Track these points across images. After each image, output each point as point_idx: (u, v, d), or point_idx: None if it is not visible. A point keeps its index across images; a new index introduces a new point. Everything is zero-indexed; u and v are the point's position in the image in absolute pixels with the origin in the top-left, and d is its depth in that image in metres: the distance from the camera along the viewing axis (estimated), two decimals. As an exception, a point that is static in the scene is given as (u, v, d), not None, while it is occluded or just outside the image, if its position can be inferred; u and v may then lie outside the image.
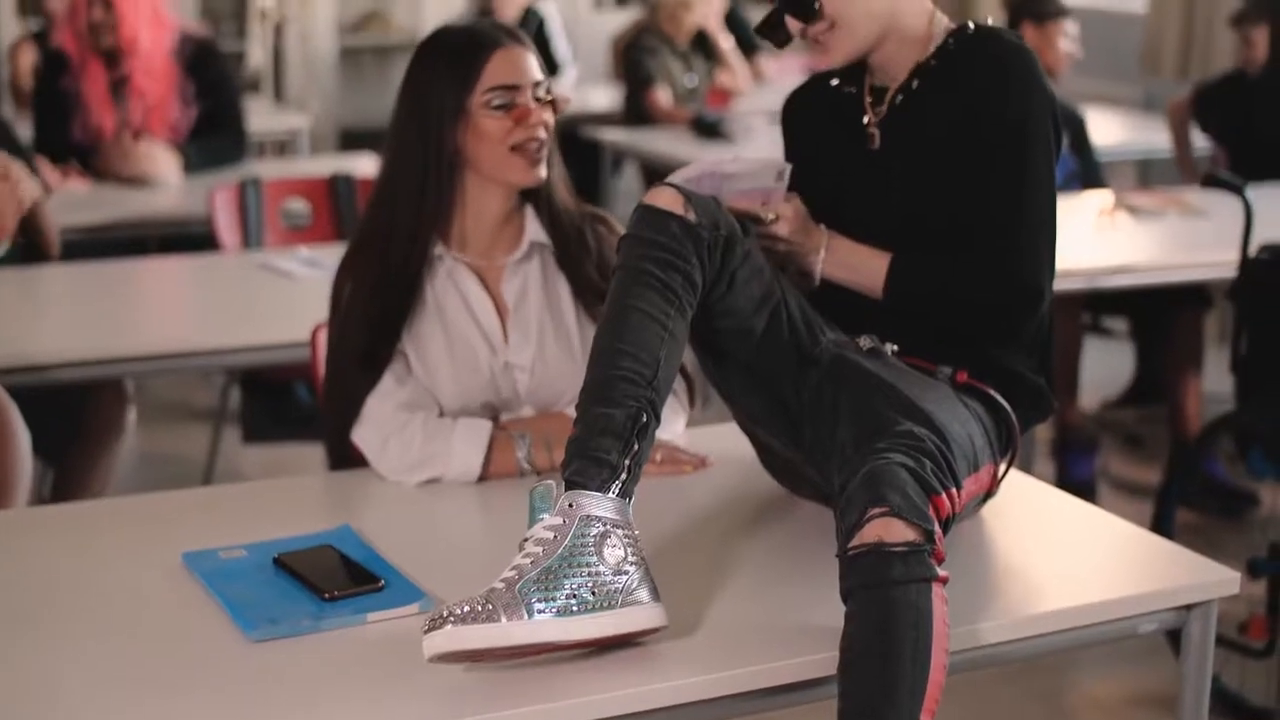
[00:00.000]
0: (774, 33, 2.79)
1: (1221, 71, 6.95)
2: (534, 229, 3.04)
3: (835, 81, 2.89)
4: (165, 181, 5.64)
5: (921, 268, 2.72)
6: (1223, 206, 5.07)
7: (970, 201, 2.70)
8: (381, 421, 2.91)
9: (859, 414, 2.48)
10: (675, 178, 2.72)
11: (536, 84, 2.95)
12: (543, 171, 2.97)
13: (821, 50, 2.78)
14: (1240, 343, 4.44)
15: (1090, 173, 6.04)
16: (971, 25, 2.80)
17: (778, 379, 2.61)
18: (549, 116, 2.96)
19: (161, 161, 5.64)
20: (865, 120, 2.82)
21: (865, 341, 2.70)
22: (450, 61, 2.94)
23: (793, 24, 2.75)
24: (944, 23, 2.81)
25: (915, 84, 2.78)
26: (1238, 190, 4.60)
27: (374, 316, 2.95)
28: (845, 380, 2.57)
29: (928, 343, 2.72)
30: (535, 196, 3.05)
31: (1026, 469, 4.74)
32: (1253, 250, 4.47)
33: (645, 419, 2.34)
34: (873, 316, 2.74)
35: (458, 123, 2.92)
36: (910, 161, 2.76)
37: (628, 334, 2.39)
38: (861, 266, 2.74)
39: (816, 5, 2.72)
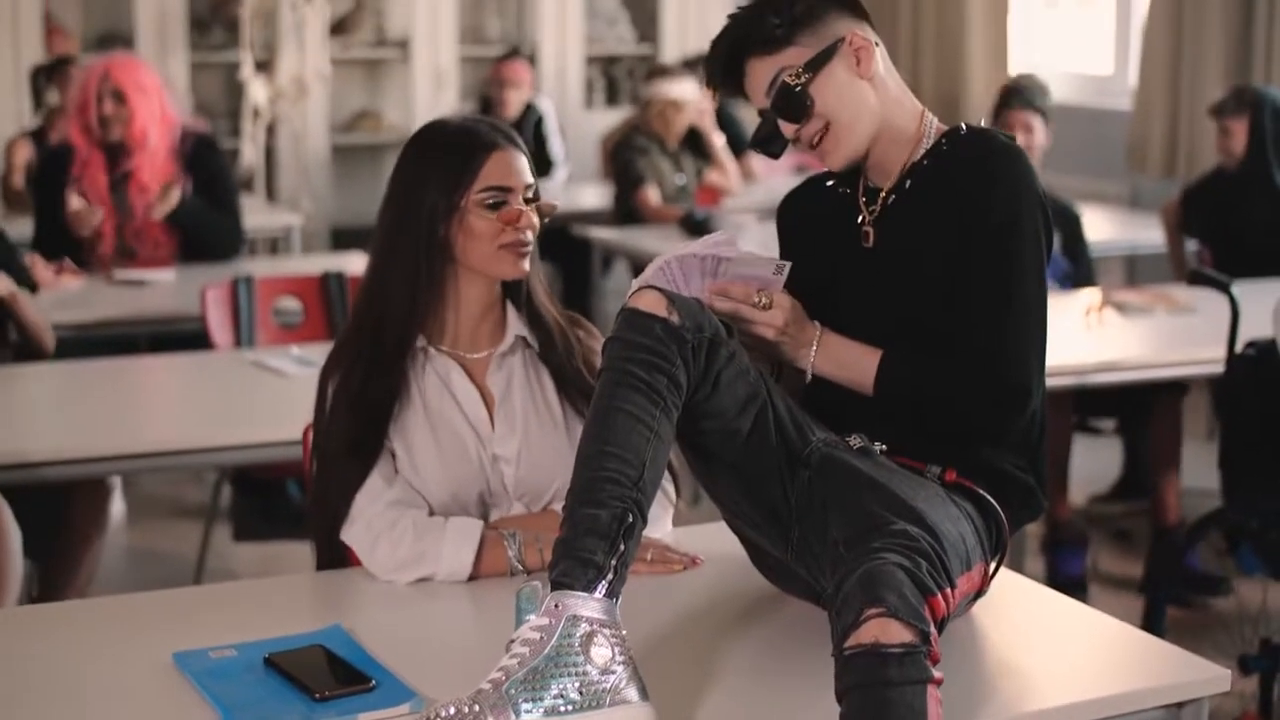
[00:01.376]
0: (769, 144, 2.81)
1: (1204, 171, 6.99)
2: (516, 323, 3.07)
3: (830, 182, 2.92)
4: (155, 277, 5.68)
5: (911, 366, 2.74)
6: (1210, 303, 5.10)
7: (960, 300, 2.72)
8: (371, 520, 2.91)
9: (850, 513, 2.49)
10: (670, 255, 2.77)
11: (527, 186, 2.97)
12: (526, 266, 3.00)
13: (821, 156, 2.80)
14: (1228, 438, 4.46)
15: (1084, 272, 6.07)
16: (964, 126, 2.83)
17: (766, 479, 2.62)
18: (536, 218, 2.99)
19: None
20: (860, 219, 2.84)
21: (855, 441, 2.71)
22: (446, 158, 2.96)
23: (787, 128, 2.77)
24: (935, 123, 2.84)
25: (908, 184, 2.80)
26: (1224, 287, 4.63)
27: (360, 408, 2.95)
28: (835, 479, 2.57)
29: (917, 441, 2.73)
30: (515, 293, 3.07)
31: (1017, 566, 4.75)
32: (1239, 346, 4.50)
33: (631, 519, 2.35)
34: (862, 414, 2.75)
35: (450, 219, 2.94)
36: (903, 260, 2.77)
37: (613, 435, 2.41)
38: (853, 363, 2.75)
39: (808, 103, 2.74)
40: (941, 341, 2.73)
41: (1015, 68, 9.59)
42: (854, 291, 2.82)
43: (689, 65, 8.80)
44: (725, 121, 8.84)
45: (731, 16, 2.88)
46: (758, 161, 8.99)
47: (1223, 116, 6.38)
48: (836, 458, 2.62)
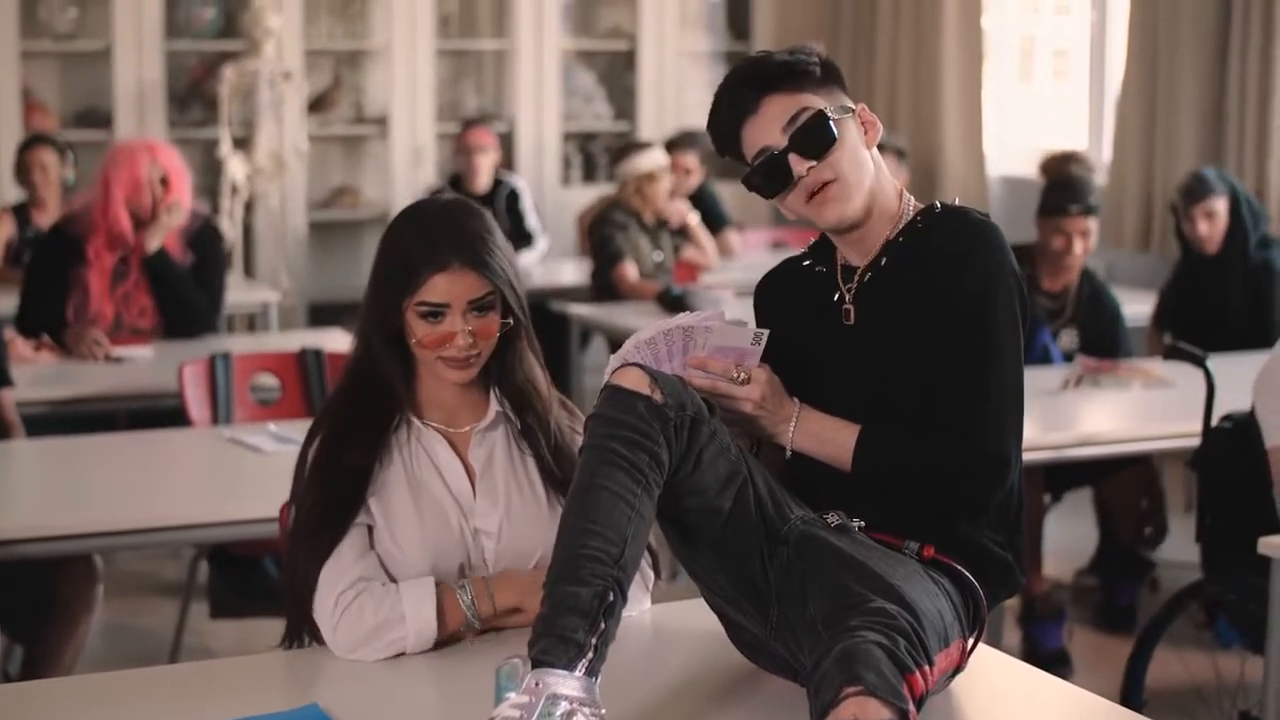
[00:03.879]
0: (771, 179, 2.82)
1: (1174, 264, 6.96)
2: (499, 399, 3.07)
3: (807, 262, 2.95)
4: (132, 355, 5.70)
5: (889, 440, 2.75)
6: (1186, 377, 5.12)
7: (937, 375, 2.73)
8: (338, 595, 2.90)
9: (829, 591, 2.49)
10: (650, 330, 2.81)
11: (473, 300, 2.95)
12: (468, 376, 2.99)
13: (818, 206, 2.80)
14: (1204, 512, 4.47)
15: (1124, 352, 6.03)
16: (939, 204, 2.86)
17: (746, 557, 2.62)
18: (491, 326, 2.97)
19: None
20: (837, 297, 2.86)
21: (833, 518, 2.71)
22: (397, 261, 2.97)
23: (800, 165, 2.78)
24: (912, 201, 2.88)
25: (884, 261, 2.83)
26: (1199, 361, 4.65)
27: (336, 479, 2.95)
28: (814, 557, 2.58)
29: (895, 517, 2.73)
30: (498, 374, 3.06)
31: (994, 640, 4.75)
32: (1215, 419, 4.51)
33: (612, 598, 2.35)
34: (840, 490, 2.76)
35: (401, 316, 2.95)
36: (883, 337, 2.80)
37: (595, 513, 2.41)
38: (831, 438, 2.77)
39: (832, 140, 2.78)
40: (919, 416, 2.74)
41: (990, 141, 9.66)
42: (834, 368, 2.84)
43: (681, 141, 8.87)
44: (703, 198, 8.88)
45: (755, 55, 2.91)
46: (735, 238, 9.04)
47: (1202, 200, 6.34)
48: (815, 535, 2.62)
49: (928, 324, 2.75)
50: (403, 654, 2.87)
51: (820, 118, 2.79)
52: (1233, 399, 4.50)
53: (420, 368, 3.03)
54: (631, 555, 2.42)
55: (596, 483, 2.45)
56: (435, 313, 2.94)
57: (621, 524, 2.42)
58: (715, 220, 8.87)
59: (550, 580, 2.40)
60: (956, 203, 2.89)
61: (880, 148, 2.90)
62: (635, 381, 2.54)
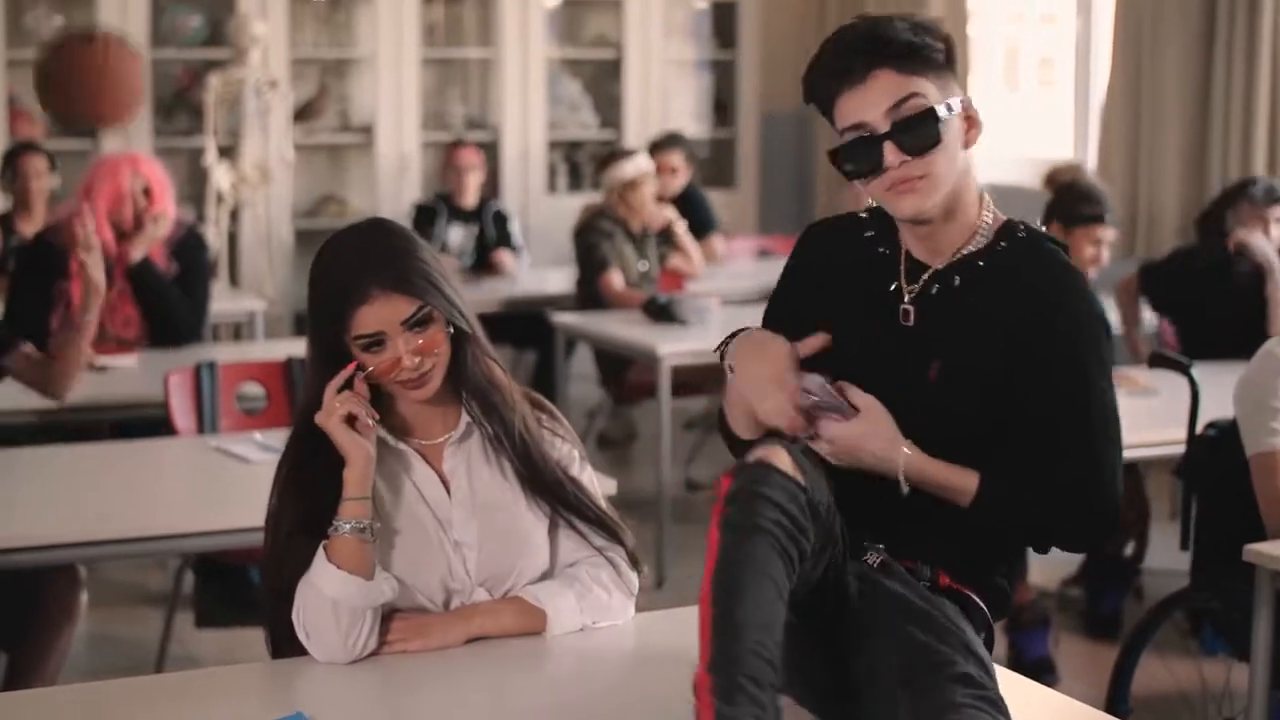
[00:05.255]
0: (859, 162, 2.71)
1: (1170, 249, 6.99)
2: (470, 408, 3.05)
3: (871, 233, 2.86)
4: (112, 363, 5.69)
5: (1010, 495, 2.72)
6: (1170, 384, 5.12)
7: (1040, 426, 2.71)
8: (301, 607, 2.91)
9: (901, 645, 2.50)
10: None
11: (406, 319, 2.91)
12: (428, 392, 2.97)
13: (899, 194, 2.71)
14: (1189, 520, 4.47)
15: None
16: (1022, 227, 2.81)
17: (818, 611, 2.60)
18: (437, 338, 2.95)
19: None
20: (894, 287, 2.81)
21: (873, 557, 2.70)
22: (326, 300, 2.96)
23: (894, 156, 2.68)
24: (992, 211, 2.81)
25: (958, 279, 2.77)
26: (1184, 369, 4.66)
27: (313, 489, 2.94)
28: (875, 606, 2.58)
29: (919, 545, 2.73)
30: (464, 383, 3.04)
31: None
32: (1200, 427, 4.52)
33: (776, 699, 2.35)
34: (868, 514, 2.72)
35: (347, 350, 2.94)
36: (945, 354, 2.75)
37: (761, 605, 2.37)
38: (944, 485, 2.72)
39: (937, 140, 2.68)
40: (1014, 459, 2.72)
41: (975, 149, 9.65)
42: (888, 367, 2.77)
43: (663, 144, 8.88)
44: (693, 203, 8.90)
45: (874, 20, 2.73)
46: (721, 243, 9.06)
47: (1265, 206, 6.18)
48: (874, 583, 2.61)
49: (1005, 360, 2.71)
50: (378, 648, 2.90)
51: (930, 116, 2.68)
52: (1218, 407, 4.51)
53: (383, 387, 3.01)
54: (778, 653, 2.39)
55: (764, 571, 2.38)
56: (375, 342, 2.92)
57: (777, 620, 2.38)
58: (703, 225, 8.88)
59: (720, 664, 2.35)
60: (1036, 225, 2.84)
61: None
62: (789, 466, 2.45)
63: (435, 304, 2.93)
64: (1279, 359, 4.10)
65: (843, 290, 2.85)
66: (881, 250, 2.84)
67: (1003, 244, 2.79)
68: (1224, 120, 7.94)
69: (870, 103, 2.68)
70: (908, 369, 2.76)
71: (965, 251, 2.78)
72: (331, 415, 2.89)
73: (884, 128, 2.69)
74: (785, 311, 2.92)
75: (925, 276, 2.79)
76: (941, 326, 2.77)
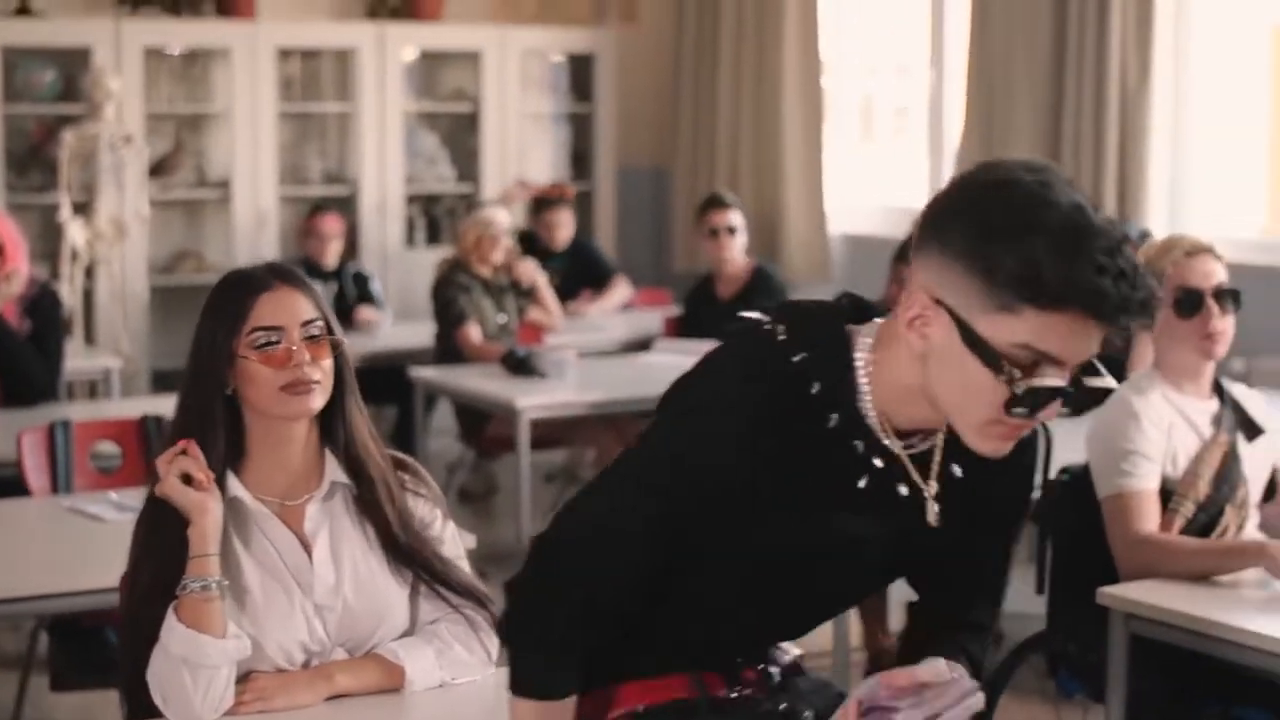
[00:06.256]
0: (1045, 401, 2.28)
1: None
2: (333, 469, 3.04)
3: (835, 417, 2.45)
4: None
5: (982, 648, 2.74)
6: (1024, 431, 5.16)
7: (980, 576, 2.73)
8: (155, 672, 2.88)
9: None
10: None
11: (306, 323, 2.95)
12: (314, 404, 2.97)
13: (1007, 438, 2.36)
14: (1044, 564, 4.52)
15: None
16: None
17: None
18: (325, 353, 2.97)
19: None
20: (907, 489, 2.51)
21: None
22: (220, 307, 2.97)
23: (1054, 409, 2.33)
24: None
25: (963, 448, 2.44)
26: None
27: (169, 551, 2.92)
28: None
29: None
30: (332, 437, 3.05)
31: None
32: (1053, 473, 4.57)
33: None
34: None
35: (230, 367, 2.94)
36: (957, 535, 2.58)
37: None
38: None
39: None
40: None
41: (832, 200, 9.76)
42: (872, 560, 2.60)
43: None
44: (581, 254, 9.04)
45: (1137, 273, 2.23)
46: (626, 285, 9.18)
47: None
48: None
49: (991, 525, 2.64)
50: (237, 707, 2.88)
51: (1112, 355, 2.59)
52: (1071, 452, 4.56)
53: (250, 441, 3.00)
54: None
55: None
56: (271, 339, 2.93)
57: None
58: (602, 272, 9.07)
59: None
60: None
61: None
62: None
63: (332, 326, 2.99)
64: (1130, 403, 4.17)
65: (813, 490, 2.50)
66: (855, 442, 2.47)
67: None
68: (1074, 168, 8.06)
69: (1088, 347, 2.29)
70: (901, 557, 2.63)
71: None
72: (166, 479, 2.88)
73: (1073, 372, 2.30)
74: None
75: (938, 461, 2.51)
76: (962, 512, 2.56)
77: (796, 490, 2.47)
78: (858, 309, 2.53)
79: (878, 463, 2.47)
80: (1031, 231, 2.21)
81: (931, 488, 2.51)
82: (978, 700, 2.45)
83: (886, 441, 2.46)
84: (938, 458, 2.50)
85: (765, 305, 2.59)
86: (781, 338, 2.45)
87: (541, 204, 9.27)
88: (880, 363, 2.43)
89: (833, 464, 2.46)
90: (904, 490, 2.50)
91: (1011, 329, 2.24)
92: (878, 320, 2.49)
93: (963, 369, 2.28)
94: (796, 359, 2.44)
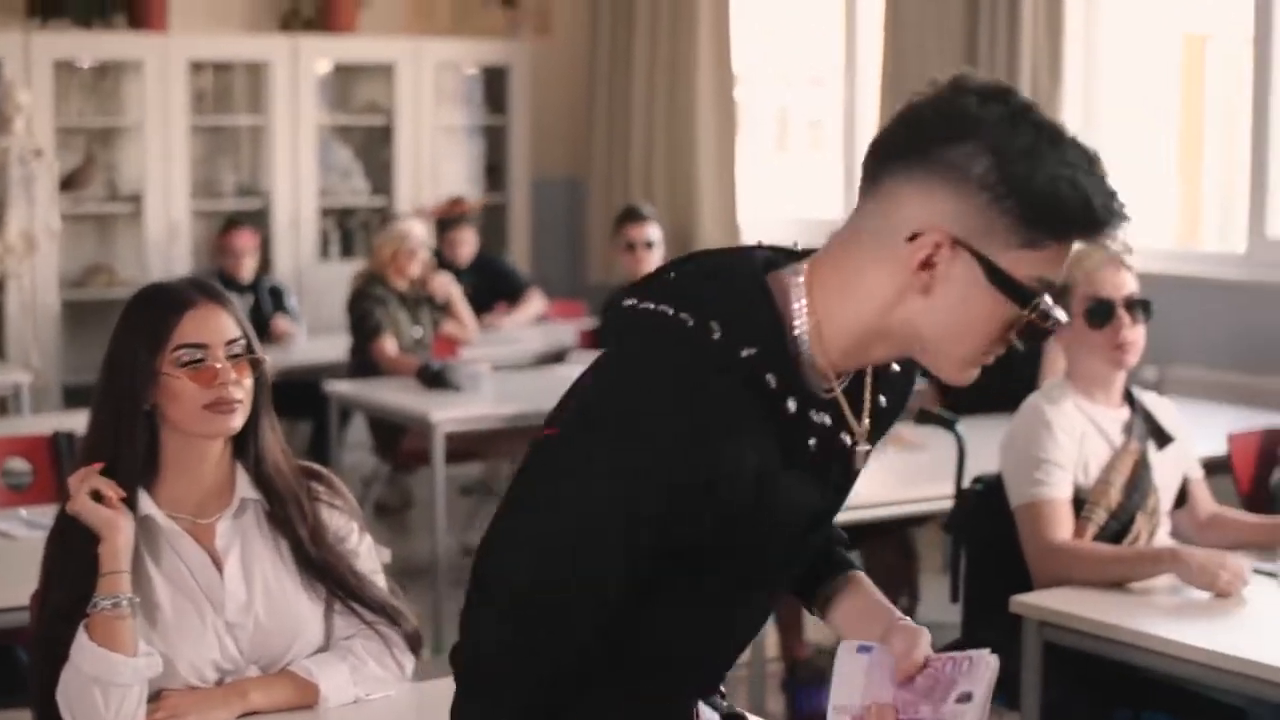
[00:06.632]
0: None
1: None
2: (244, 485, 3.03)
3: (792, 404, 2.21)
4: None
5: None
6: (937, 440, 5.21)
7: None
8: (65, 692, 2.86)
9: None
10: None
11: (230, 341, 2.94)
12: (236, 423, 2.96)
13: (978, 362, 2.26)
14: (958, 573, 4.55)
15: None
16: None
17: None
18: (247, 372, 2.96)
19: None
20: (849, 440, 2.30)
21: None
22: (142, 322, 2.95)
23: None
24: None
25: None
26: (949, 425, 4.74)
27: (81, 570, 2.90)
28: None
29: None
30: (244, 454, 3.04)
31: (758, 705, 4.80)
32: (967, 482, 4.60)
33: None
34: None
35: (153, 385, 2.92)
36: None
37: None
38: None
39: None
40: None
41: (745, 211, 9.79)
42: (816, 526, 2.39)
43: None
44: (490, 268, 9.02)
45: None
46: (540, 297, 9.19)
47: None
48: None
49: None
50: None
51: None
52: (984, 461, 4.59)
53: (165, 459, 2.98)
54: None
55: None
56: (196, 357, 2.91)
57: None
58: (513, 285, 9.08)
59: None
60: None
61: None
62: None
63: (253, 345, 2.98)
64: (1042, 412, 4.20)
65: (787, 493, 2.26)
66: (816, 416, 2.24)
67: None
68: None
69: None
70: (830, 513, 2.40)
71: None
72: (77, 497, 2.86)
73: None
74: None
75: (869, 399, 2.34)
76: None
77: (774, 504, 2.22)
78: (776, 256, 2.31)
79: (825, 419, 2.24)
80: (1061, 164, 2.13)
81: (864, 426, 2.31)
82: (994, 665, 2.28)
83: (828, 394, 2.25)
84: (868, 395, 2.33)
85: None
86: (717, 335, 2.16)
87: (443, 223, 9.26)
88: (824, 312, 2.21)
89: (789, 448, 2.21)
90: (846, 439, 2.28)
91: (1032, 262, 2.14)
92: (799, 265, 2.26)
93: (978, 305, 2.15)
94: (745, 354, 2.16)
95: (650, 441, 2.10)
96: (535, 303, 9.23)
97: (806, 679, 5.56)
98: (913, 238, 2.14)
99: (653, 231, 8.03)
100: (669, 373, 2.14)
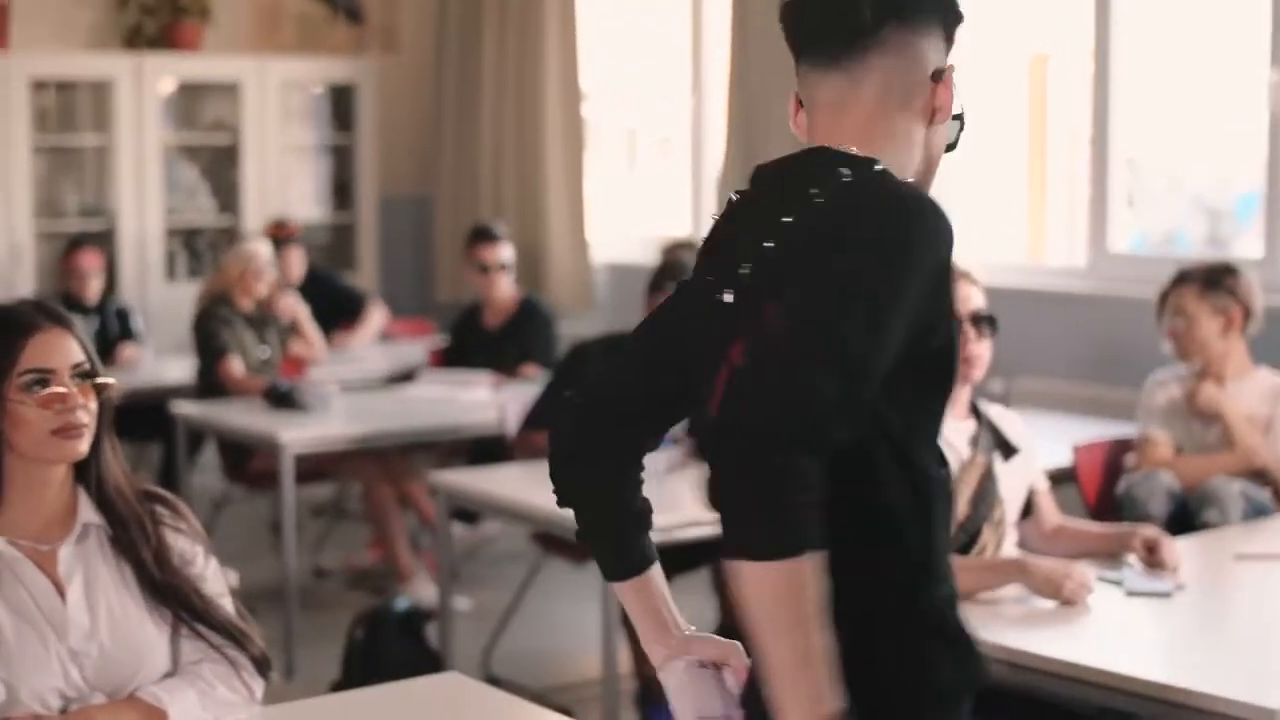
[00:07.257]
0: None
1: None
2: (86, 510, 2.99)
3: None
4: None
5: None
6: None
7: None
8: None
9: None
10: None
11: (75, 365, 2.91)
12: (83, 447, 2.93)
13: None
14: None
15: None
16: None
17: None
18: (92, 396, 2.93)
19: None
20: None
21: None
22: None
23: None
24: None
25: None
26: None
27: None
28: None
29: None
30: (85, 478, 3.00)
31: (612, 723, 4.79)
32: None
33: None
34: None
35: (8, 394, 2.88)
36: None
37: None
38: None
39: None
40: None
41: (595, 229, 9.80)
42: None
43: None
44: (322, 285, 8.93)
45: None
46: (381, 311, 9.14)
47: None
48: None
49: None
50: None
51: None
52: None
53: (6, 484, 2.94)
54: None
55: None
56: (42, 379, 2.88)
57: None
58: (350, 301, 9.02)
59: None
60: None
61: None
62: None
63: (97, 368, 2.94)
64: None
65: None
66: None
67: None
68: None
69: None
70: None
71: None
72: None
73: None
74: None
75: None
76: None
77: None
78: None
79: None
80: None
81: None
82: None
83: None
84: None
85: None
86: (879, 167, 2.33)
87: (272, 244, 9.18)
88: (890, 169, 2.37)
89: None
90: None
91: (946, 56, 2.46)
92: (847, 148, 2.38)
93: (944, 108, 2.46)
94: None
95: (936, 217, 2.26)
96: (376, 316, 9.15)
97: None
98: (935, 76, 2.43)
99: (505, 252, 8.01)
100: (892, 178, 2.33)
